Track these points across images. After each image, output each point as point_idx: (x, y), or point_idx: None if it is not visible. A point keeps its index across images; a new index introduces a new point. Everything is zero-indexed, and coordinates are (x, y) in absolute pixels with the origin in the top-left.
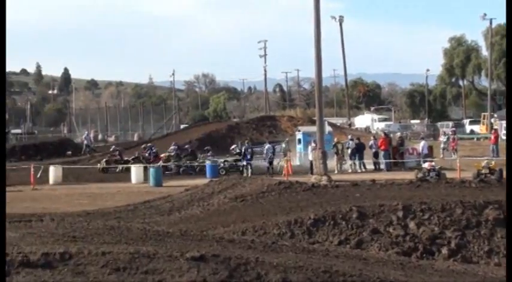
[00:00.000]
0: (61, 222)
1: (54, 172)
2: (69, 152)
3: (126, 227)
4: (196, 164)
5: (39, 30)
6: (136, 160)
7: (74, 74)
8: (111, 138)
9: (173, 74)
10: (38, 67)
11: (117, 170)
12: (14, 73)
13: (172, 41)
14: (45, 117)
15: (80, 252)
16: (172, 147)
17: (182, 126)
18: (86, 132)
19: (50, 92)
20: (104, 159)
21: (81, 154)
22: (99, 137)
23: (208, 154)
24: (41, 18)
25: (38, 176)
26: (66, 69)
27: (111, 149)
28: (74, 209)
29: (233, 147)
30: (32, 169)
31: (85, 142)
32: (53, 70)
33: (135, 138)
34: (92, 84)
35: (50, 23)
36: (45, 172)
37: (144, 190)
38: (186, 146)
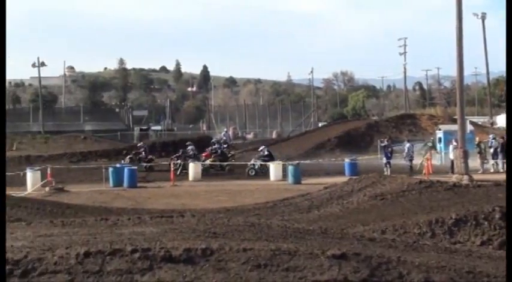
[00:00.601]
0: (202, 219)
1: (193, 169)
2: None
3: (266, 224)
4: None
5: (180, 28)
6: (179, 158)
7: (213, 72)
8: (250, 136)
9: (312, 72)
10: (178, 64)
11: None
12: (154, 70)
13: (311, 39)
14: (184, 114)
15: (221, 248)
16: (190, 147)
17: (320, 124)
18: (225, 130)
19: (189, 89)
20: (128, 156)
21: None
22: (238, 134)
23: (262, 154)
24: (182, 16)
25: (178, 172)
26: (205, 67)
27: (138, 145)
28: (214, 205)
29: (261, 148)
30: (171, 166)
31: (224, 139)
32: (192, 68)
33: (274, 135)
34: (231, 82)
35: (190, 21)
36: (184, 168)
37: (283, 188)
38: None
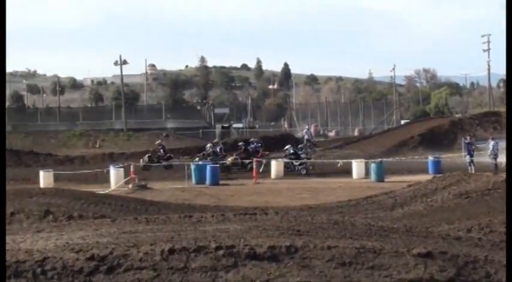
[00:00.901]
0: (285, 216)
1: (275, 166)
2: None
3: (350, 221)
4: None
5: (261, 26)
6: (204, 156)
7: (294, 69)
8: (331, 133)
9: (393, 69)
10: (259, 62)
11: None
12: (235, 68)
13: (392, 36)
14: (265, 112)
15: (305, 246)
16: (208, 145)
17: (403, 122)
18: (307, 127)
19: (270, 86)
20: (147, 155)
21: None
22: (320, 131)
23: (302, 152)
24: (262, 14)
25: (260, 170)
26: (286, 64)
27: (156, 143)
28: (296, 203)
29: (287, 147)
30: (254, 163)
31: (306, 137)
32: (273, 65)
33: (356, 133)
34: (312, 79)
35: (271, 19)
36: (267, 166)
37: (366, 185)
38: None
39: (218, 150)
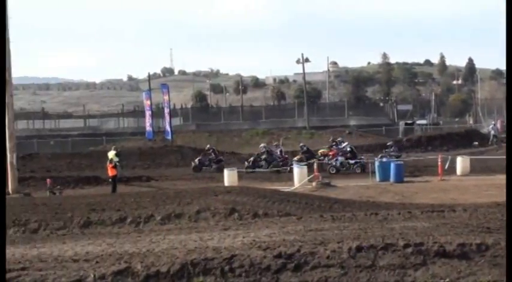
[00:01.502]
0: (474, 213)
1: (461, 163)
2: (476, 143)
3: None
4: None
5: (444, 21)
6: (258, 156)
7: (479, 64)
8: None
9: None
10: (442, 58)
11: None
12: (418, 64)
13: None
14: (449, 108)
15: (496, 243)
16: (262, 145)
17: None
18: (493, 123)
19: (454, 82)
20: (198, 158)
21: (488, 145)
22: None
23: (391, 150)
24: (444, 9)
25: (446, 167)
26: (470, 59)
27: (207, 147)
28: (483, 200)
29: (344, 145)
30: (439, 160)
31: (492, 132)
32: (457, 60)
33: None
34: (497, 74)
35: (454, 14)
36: (452, 163)
37: None
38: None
39: (278, 152)
